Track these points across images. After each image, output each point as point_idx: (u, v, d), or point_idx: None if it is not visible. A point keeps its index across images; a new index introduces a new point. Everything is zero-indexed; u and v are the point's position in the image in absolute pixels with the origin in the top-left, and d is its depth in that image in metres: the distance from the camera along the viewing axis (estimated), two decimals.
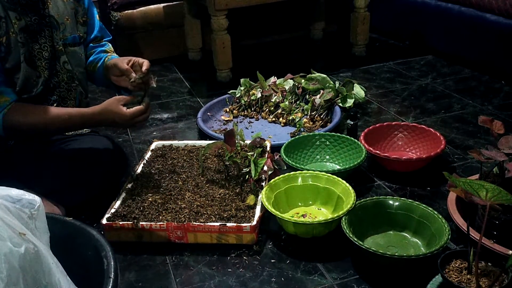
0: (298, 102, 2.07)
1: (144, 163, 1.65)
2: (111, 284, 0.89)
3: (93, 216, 1.44)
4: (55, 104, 1.48)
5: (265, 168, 1.50)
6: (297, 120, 1.97)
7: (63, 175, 1.48)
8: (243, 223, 1.32)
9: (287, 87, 2.13)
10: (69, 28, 1.50)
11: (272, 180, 1.45)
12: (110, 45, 1.67)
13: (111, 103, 1.42)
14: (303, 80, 2.11)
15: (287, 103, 2.05)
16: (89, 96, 1.65)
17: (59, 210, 1.44)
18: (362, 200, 1.36)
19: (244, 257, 1.31)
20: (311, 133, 1.77)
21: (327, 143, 1.72)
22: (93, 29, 1.61)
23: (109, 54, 1.61)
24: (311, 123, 1.96)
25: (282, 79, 2.19)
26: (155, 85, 1.48)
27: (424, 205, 1.32)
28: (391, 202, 1.35)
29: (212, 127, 2.01)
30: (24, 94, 1.40)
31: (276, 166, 1.53)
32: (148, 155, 1.70)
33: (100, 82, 1.64)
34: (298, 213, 1.44)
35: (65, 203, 1.47)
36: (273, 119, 2.05)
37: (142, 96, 1.45)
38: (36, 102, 1.43)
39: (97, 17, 1.63)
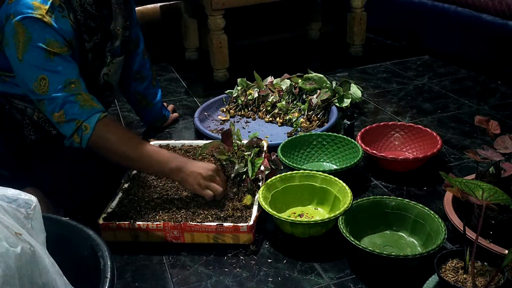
0: (295, 102, 2.07)
1: None
2: (107, 284, 0.89)
3: (90, 215, 1.43)
4: None
5: (262, 168, 1.50)
6: (294, 120, 1.97)
7: (63, 176, 1.47)
8: (240, 223, 1.32)
9: (284, 87, 2.13)
10: (119, 38, 1.47)
11: (269, 180, 1.45)
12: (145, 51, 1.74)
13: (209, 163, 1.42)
14: (300, 80, 2.11)
15: (284, 103, 2.05)
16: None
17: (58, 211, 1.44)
18: (358, 200, 1.36)
19: (241, 257, 1.30)
20: (308, 133, 1.77)
21: (324, 143, 1.72)
22: (132, 28, 1.59)
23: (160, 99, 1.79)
24: (308, 123, 1.96)
25: (279, 79, 2.19)
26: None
27: (420, 205, 1.32)
28: (387, 202, 1.35)
29: (209, 127, 2.01)
30: None
31: (273, 166, 1.53)
32: None
33: (142, 109, 1.79)
34: (295, 213, 1.44)
35: (64, 204, 1.46)
36: (270, 119, 2.05)
37: None
38: None
39: (135, 14, 1.61)
